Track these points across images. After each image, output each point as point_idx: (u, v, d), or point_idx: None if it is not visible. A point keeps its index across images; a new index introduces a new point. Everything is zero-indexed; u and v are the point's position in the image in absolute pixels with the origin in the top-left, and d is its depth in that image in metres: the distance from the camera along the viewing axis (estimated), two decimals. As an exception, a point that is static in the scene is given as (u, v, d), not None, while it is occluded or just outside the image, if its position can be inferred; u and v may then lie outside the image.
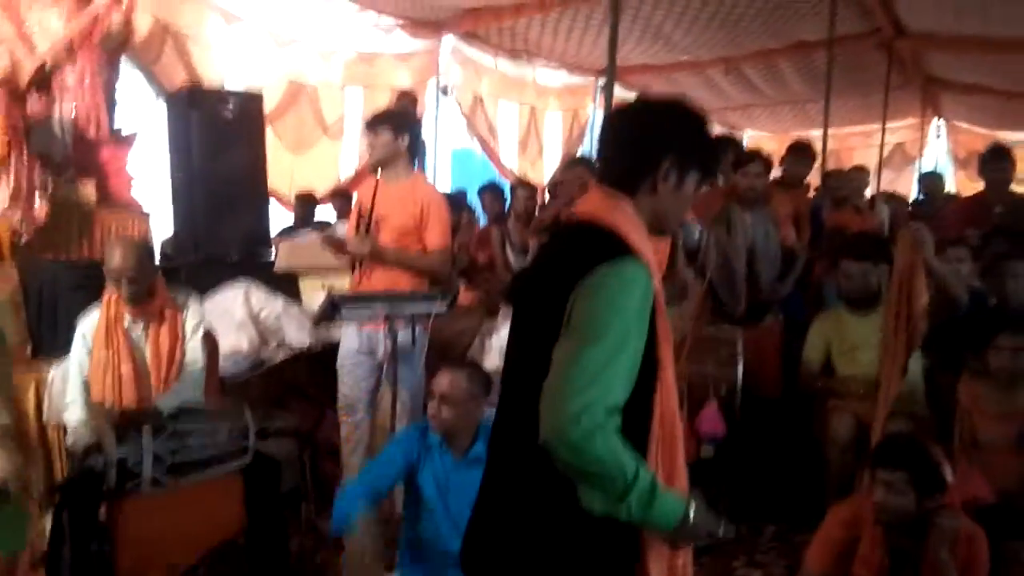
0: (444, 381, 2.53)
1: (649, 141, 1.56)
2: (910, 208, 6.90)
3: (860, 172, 6.71)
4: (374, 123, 3.36)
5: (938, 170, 10.87)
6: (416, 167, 4.54)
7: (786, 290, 4.07)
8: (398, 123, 3.32)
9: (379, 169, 3.43)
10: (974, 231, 4.48)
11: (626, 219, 1.51)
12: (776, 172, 5.27)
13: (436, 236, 3.40)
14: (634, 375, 1.40)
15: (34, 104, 4.43)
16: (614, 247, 1.45)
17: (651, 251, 1.52)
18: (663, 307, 1.51)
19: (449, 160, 9.87)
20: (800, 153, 4.63)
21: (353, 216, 3.52)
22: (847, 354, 3.57)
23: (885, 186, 11.34)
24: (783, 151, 15.39)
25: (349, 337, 3.46)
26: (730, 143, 4.92)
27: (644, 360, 1.42)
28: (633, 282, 1.42)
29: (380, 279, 3.35)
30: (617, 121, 1.68)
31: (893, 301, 3.20)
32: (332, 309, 3.09)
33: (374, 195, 3.34)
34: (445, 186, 9.17)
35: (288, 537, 3.25)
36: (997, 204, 4.61)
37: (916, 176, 12.81)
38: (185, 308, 3.19)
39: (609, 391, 1.35)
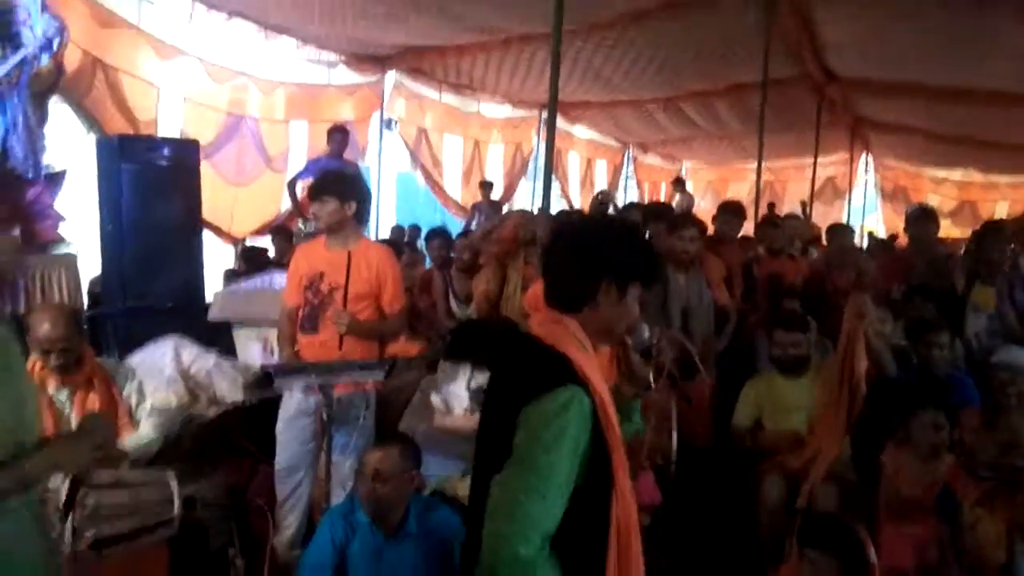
0: (376, 456, 2.51)
1: (588, 264, 1.66)
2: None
3: (793, 220, 6.93)
4: (319, 191, 3.30)
5: (863, 217, 11.28)
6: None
7: (720, 346, 4.17)
8: (344, 190, 3.27)
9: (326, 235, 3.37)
10: (898, 286, 4.66)
11: (569, 341, 1.61)
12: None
13: (394, 300, 3.37)
14: (565, 501, 1.49)
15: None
16: (556, 374, 1.54)
17: (595, 368, 1.61)
18: (612, 420, 1.58)
19: (393, 185, 9.87)
20: (731, 212, 4.77)
21: (294, 278, 3.44)
22: (778, 415, 3.65)
23: (817, 219, 11.76)
24: (719, 179, 15.81)
25: (291, 400, 3.39)
26: (664, 210, 5.04)
27: (596, 475, 1.52)
28: (566, 409, 1.50)
29: (327, 351, 3.26)
30: (558, 245, 1.75)
31: (837, 367, 3.31)
32: (266, 379, 3.04)
33: (346, 266, 3.31)
34: (389, 211, 9.18)
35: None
36: (919, 260, 4.81)
37: (846, 208, 13.34)
38: (123, 377, 3.11)
39: (543, 520, 1.45)
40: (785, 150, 11.86)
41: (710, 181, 15.15)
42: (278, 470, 3.42)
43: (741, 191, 13.06)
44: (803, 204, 9.99)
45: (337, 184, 3.32)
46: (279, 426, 3.41)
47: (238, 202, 6.74)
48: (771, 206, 9.97)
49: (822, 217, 12.53)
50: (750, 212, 7.92)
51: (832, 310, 4.70)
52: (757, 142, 7.42)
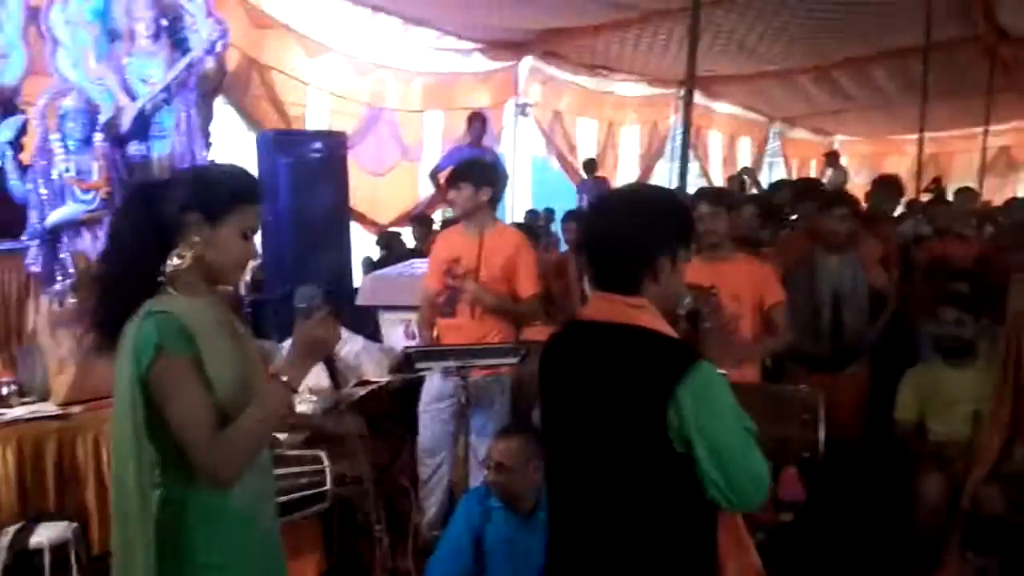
0: (499, 448, 2.53)
1: (641, 248, 1.60)
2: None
3: (967, 194, 6.31)
4: (455, 178, 3.39)
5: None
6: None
7: (875, 335, 3.90)
8: (478, 177, 3.34)
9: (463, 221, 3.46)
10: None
11: (659, 322, 1.60)
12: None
13: (527, 283, 3.42)
14: None
15: (134, 148, 4.68)
16: (681, 353, 1.55)
17: None
18: None
19: (528, 169, 9.91)
20: (886, 188, 4.41)
21: (434, 263, 3.56)
22: (942, 411, 3.37)
23: (990, 194, 10.76)
24: (875, 153, 14.81)
25: (433, 382, 3.51)
26: (814, 187, 4.76)
27: None
28: (714, 377, 1.54)
29: (465, 334, 3.36)
30: (602, 228, 1.66)
31: (1002, 354, 3.03)
32: (407, 362, 3.15)
33: (478, 249, 3.37)
34: (524, 196, 9.24)
35: (366, 576, 3.34)
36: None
37: (1024, 182, 12.13)
38: (280, 359, 3.30)
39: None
40: (950, 120, 10.92)
41: (865, 156, 14.21)
42: (420, 451, 3.55)
43: (900, 166, 12.16)
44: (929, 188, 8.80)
45: (471, 171, 3.39)
46: (421, 407, 3.54)
47: (377, 192, 7.00)
48: (937, 180, 9.20)
49: (995, 192, 11.48)
50: (911, 187, 7.39)
51: (1002, 293, 4.29)
52: (918, 112, 6.87)
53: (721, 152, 12.16)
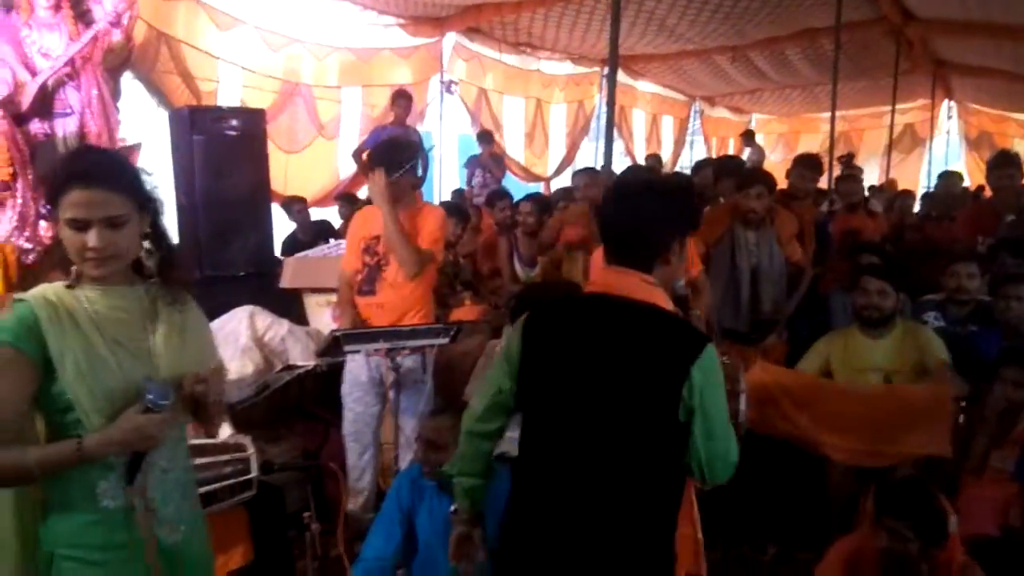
0: (431, 426, 2.53)
1: (663, 223, 1.77)
2: (921, 203, 6.77)
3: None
4: (374, 162, 3.32)
5: (945, 166, 10.74)
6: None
7: (791, 307, 4.04)
8: (391, 162, 3.27)
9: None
10: (984, 239, 4.44)
11: (665, 300, 1.76)
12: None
13: (424, 239, 3.34)
14: None
15: (36, 126, 4.43)
16: (696, 333, 1.74)
17: None
18: None
19: (455, 147, 9.82)
20: (806, 166, 4.56)
21: (352, 243, 3.50)
22: (854, 376, 3.52)
23: (895, 168, 11.26)
24: (790, 131, 15.25)
25: (356, 365, 3.47)
26: (736, 166, 4.88)
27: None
28: (716, 360, 1.70)
29: (386, 312, 3.33)
30: (628, 205, 1.80)
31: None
32: (334, 344, 3.10)
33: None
34: (452, 175, 9.16)
35: (295, 564, 3.29)
36: (1006, 211, 4.56)
37: (927, 156, 12.72)
38: None
39: None
40: (861, 98, 11.37)
41: (781, 134, 14.66)
42: (345, 434, 3.51)
43: (813, 143, 12.60)
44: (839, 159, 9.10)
45: (383, 157, 3.33)
46: (344, 390, 3.49)
47: (292, 169, 6.82)
48: (850, 156, 9.55)
49: (899, 167, 12.02)
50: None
51: (924, 260, 4.51)
52: (830, 91, 7.11)
53: (645, 130, 12.32)
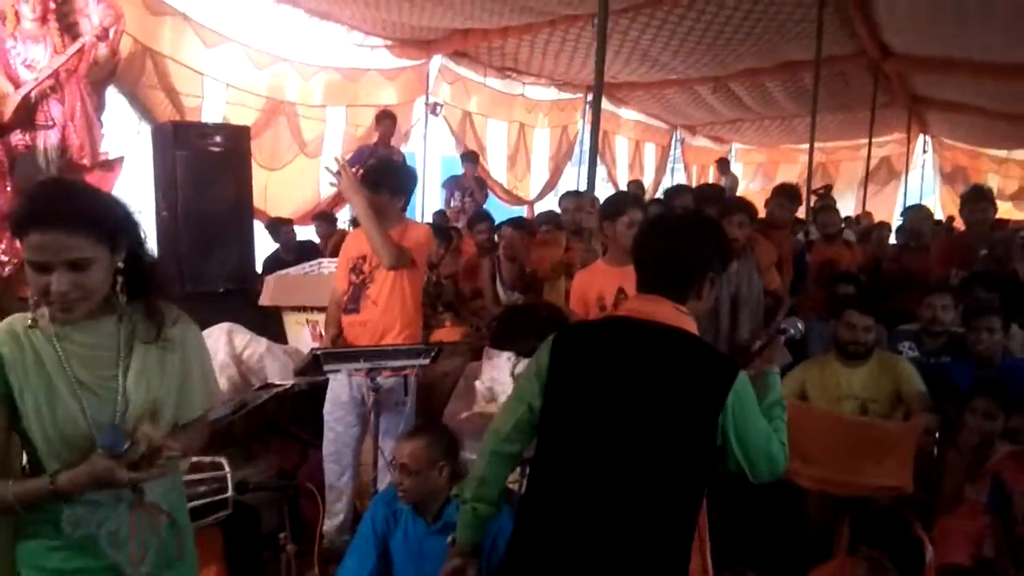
0: (405, 450, 2.50)
1: (698, 263, 1.82)
2: (897, 235, 6.87)
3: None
4: (364, 181, 3.33)
5: (920, 199, 10.93)
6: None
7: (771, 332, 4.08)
8: (374, 182, 3.30)
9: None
10: (958, 272, 4.51)
11: (695, 329, 1.80)
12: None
13: (408, 244, 3.33)
14: None
15: (17, 138, 4.40)
16: (729, 360, 1.79)
17: None
18: None
19: (439, 169, 9.85)
20: (786, 196, 4.64)
21: (342, 263, 3.51)
22: (831, 405, 3.55)
23: (871, 200, 11.44)
24: (769, 161, 15.42)
25: (338, 385, 3.45)
26: (717, 194, 4.94)
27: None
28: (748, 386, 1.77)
29: (368, 331, 3.34)
30: (673, 237, 1.86)
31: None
32: (314, 363, 3.08)
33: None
34: (435, 196, 9.17)
35: (270, 587, 3.24)
36: (979, 244, 4.65)
37: (902, 189, 12.94)
38: None
39: None
40: (838, 130, 11.57)
41: (760, 163, 14.86)
42: (325, 455, 3.48)
43: (792, 173, 12.78)
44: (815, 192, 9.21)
45: (368, 177, 3.35)
46: (326, 409, 3.47)
47: (271, 186, 6.81)
48: (827, 188, 9.72)
49: (874, 199, 12.21)
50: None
51: (899, 292, 4.58)
52: (809, 122, 7.24)
53: (628, 157, 12.45)
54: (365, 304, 3.36)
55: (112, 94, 5.53)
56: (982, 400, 3.10)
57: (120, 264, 1.56)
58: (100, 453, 1.50)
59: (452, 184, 8.06)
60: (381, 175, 3.40)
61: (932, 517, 3.07)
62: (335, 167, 3.28)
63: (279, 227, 6.42)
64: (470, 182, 7.94)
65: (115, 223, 1.54)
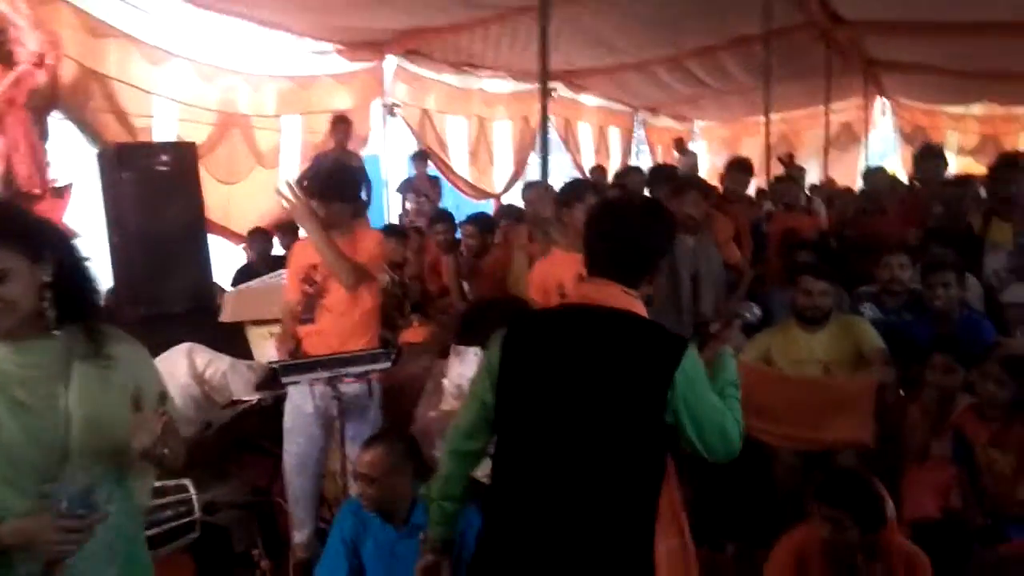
0: (364, 460, 2.50)
1: (652, 248, 1.86)
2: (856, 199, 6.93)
3: (800, 170, 6.78)
4: (311, 193, 3.27)
5: (882, 161, 11.05)
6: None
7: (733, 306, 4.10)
8: (322, 193, 3.26)
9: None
10: (915, 231, 4.56)
11: (642, 311, 1.82)
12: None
13: (362, 255, 3.31)
14: None
15: (-41, 173, 4.32)
16: (678, 343, 1.77)
17: None
18: None
19: (404, 170, 9.77)
20: (739, 169, 4.66)
21: (292, 273, 3.47)
22: (793, 368, 3.58)
23: (833, 163, 11.52)
24: (732, 136, 15.49)
25: (299, 396, 3.41)
26: (669, 173, 4.95)
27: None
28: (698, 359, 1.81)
29: (326, 340, 3.29)
30: (624, 231, 1.86)
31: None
32: (273, 376, 3.05)
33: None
34: (399, 197, 9.09)
35: (247, 605, 3.22)
36: (934, 202, 4.70)
37: (864, 153, 13.05)
38: None
39: None
40: (797, 99, 11.60)
41: (723, 139, 14.90)
42: (288, 468, 3.44)
43: (755, 145, 12.83)
44: (780, 159, 9.34)
45: (317, 187, 3.31)
46: (286, 424, 3.43)
47: (232, 201, 6.73)
48: (790, 157, 9.76)
49: (836, 164, 12.29)
50: (761, 166, 7.80)
51: (861, 254, 4.61)
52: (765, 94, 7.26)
53: (593, 143, 12.44)
54: (321, 313, 3.32)
55: (59, 120, 5.45)
56: (941, 357, 3.14)
57: (46, 279, 1.56)
58: (53, 500, 1.47)
59: (405, 188, 8.15)
60: (328, 184, 3.36)
61: (898, 473, 3.10)
62: (287, 191, 3.24)
63: (255, 236, 6.38)
64: (422, 183, 7.98)
65: (35, 235, 1.57)
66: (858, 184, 8.39)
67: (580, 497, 1.72)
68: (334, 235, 3.30)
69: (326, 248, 3.17)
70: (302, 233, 3.48)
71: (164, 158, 4.38)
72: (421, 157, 8.17)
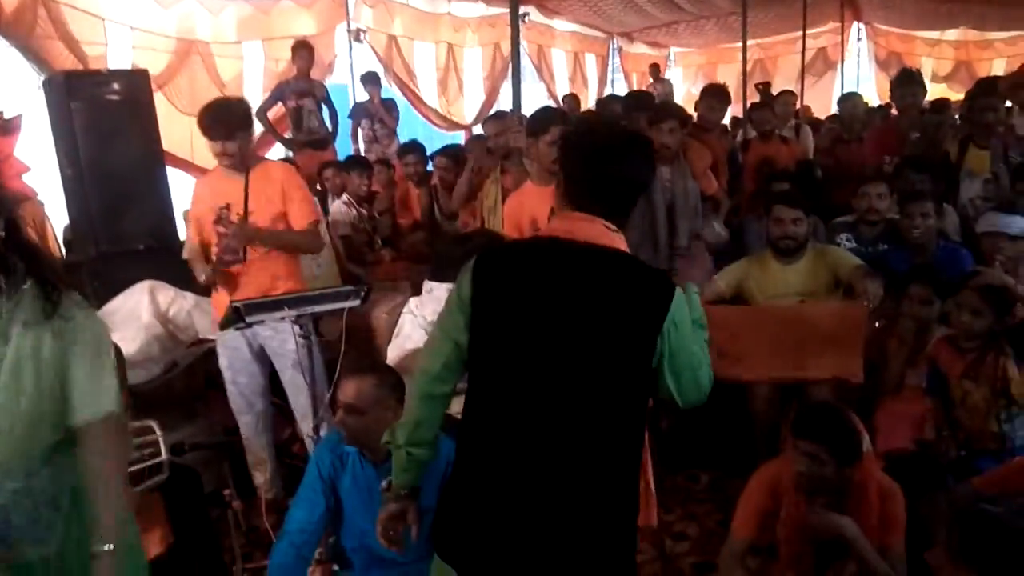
0: (349, 390, 2.39)
1: (640, 184, 1.80)
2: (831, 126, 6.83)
3: (786, 96, 6.65)
4: (207, 136, 3.22)
5: (856, 88, 10.91)
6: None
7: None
8: (226, 133, 3.16)
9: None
10: (891, 159, 4.50)
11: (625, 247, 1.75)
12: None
13: (301, 214, 3.27)
14: None
15: None
16: (663, 277, 1.74)
17: None
18: None
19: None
20: (714, 97, 4.53)
21: (198, 213, 3.36)
22: (770, 300, 3.54)
23: (808, 90, 11.40)
24: (708, 63, 15.25)
25: (232, 338, 3.28)
26: (646, 100, 4.80)
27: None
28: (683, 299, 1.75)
29: (252, 282, 3.21)
30: (612, 159, 1.74)
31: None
32: (236, 316, 2.94)
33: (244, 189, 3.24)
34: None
35: (220, 544, 3.19)
36: (910, 129, 4.63)
37: (838, 79, 12.91)
38: None
39: None
40: (774, 25, 11.41)
41: (699, 65, 14.63)
42: (235, 409, 3.42)
43: (731, 72, 12.62)
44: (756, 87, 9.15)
45: (210, 124, 3.21)
46: (222, 364, 3.38)
47: (195, 132, 6.43)
48: (766, 85, 9.59)
49: (812, 89, 12.16)
50: (739, 94, 7.65)
51: (835, 183, 4.56)
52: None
53: (568, 70, 12.12)
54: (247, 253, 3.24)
55: (4, 48, 5.15)
56: (917, 287, 3.12)
57: None
58: None
59: (359, 113, 7.49)
60: (227, 122, 3.22)
61: (873, 405, 3.12)
62: (223, 221, 3.19)
63: None
64: (376, 107, 7.34)
65: None
66: (834, 111, 8.28)
67: (563, 440, 1.64)
68: (236, 169, 3.25)
69: (287, 244, 3.25)
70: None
71: (116, 87, 4.14)
72: (373, 79, 7.44)
